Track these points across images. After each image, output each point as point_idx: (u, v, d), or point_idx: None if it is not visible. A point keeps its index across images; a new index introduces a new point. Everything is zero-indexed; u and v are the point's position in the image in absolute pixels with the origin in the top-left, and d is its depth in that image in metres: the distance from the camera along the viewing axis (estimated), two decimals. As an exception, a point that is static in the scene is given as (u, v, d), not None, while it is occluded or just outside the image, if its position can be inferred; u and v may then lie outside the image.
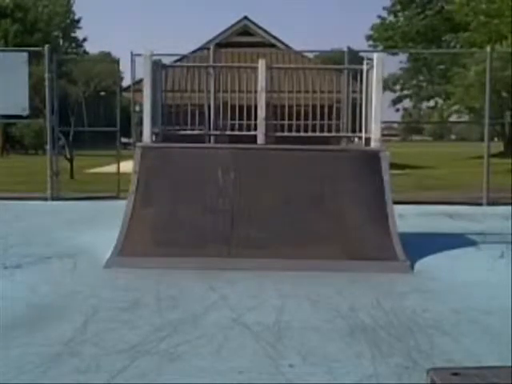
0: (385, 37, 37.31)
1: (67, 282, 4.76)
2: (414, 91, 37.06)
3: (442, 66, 30.36)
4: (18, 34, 39.75)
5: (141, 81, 7.67)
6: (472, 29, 23.37)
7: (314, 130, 7.57)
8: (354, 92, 7.81)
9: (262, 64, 6.96)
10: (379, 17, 38.81)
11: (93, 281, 4.82)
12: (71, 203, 9.61)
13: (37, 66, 11.90)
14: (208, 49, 11.55)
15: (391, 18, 38.67)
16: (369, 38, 39.50)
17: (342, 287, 4.63)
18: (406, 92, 38.25)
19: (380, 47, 37.30)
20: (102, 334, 3.53)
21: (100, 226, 6.86)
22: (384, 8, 38.24)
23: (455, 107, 27.55)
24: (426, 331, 3.61)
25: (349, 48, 10.18)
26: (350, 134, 7.85)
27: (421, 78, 35.90)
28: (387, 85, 34.75)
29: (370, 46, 38.45)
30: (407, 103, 38.06)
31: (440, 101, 30.41)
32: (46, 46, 10.06)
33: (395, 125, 37.97)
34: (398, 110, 37.73)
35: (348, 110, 7.89)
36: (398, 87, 38.33)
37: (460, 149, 38.50)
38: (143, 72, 6.85)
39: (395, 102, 38.42)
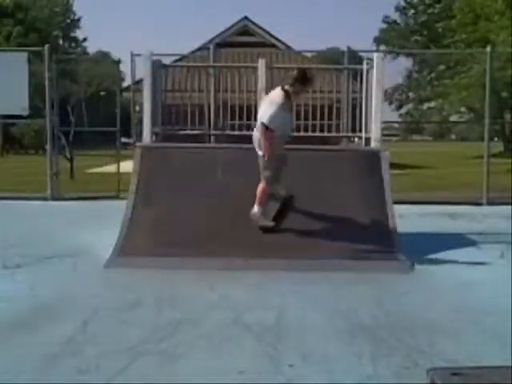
0: (390, 36, 37.61)
1: (67, 282, 4.76)
2: (415, 94, 37.24)
3: (442, 67, 30.39)
4: (20, 34, 39.75)
5: (141, 81, 7.67)
6: (468, 30, 23.45)
7: (314, 130, 7.58)
8: (354, 92, 7.81)
9: (261, 64, 6.97)
10: (386, 17, 39.25)
11: (93, 281, 4.82)
12: (71, 203, 9.61)
13: (38, 66, 11.89)
14: (208, 49, 11.54)
15: (397, 16, 39.16)
16: (376, 39, 39.78)
17: (341, 287, 4.63)
18: (409, 95, 38.47)
19: (384, 48, 37.60)
20: (102, 334, 3.53)
21: (100, 226, 6.86)
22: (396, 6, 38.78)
23: (455, 106, 27.59)
24: (426, 331, 3.61)
25: (348, 48, 10.17)
26: (350, 134, 7.86)
27: (421, 79, 36.07)
28: (392, 97, 35.04)
29: (375, 45, 38.78)
30: (410, 106, 38.26)
31: (440, 101, 30.45)
32: (46, 46, 10.05)
33: (395, 125, 38.01)
34: (401, 115, 37.99)
35: (348, 110, 7.89)
36: (401, 96, 38.61)
37: (460, 149, 38.49)
38: (143, 72, 6.86)
39: (399, 107, 38.68)
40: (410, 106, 37.87)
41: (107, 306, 4.07)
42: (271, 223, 5.54)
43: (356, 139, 7.72)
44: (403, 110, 38.45)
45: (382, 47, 39.08)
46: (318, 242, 5.43)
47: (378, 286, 4.70)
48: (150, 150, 6.44)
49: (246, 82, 7.58)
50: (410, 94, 38.20)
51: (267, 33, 21.83)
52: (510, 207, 8.41)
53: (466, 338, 3.52)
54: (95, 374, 2.96)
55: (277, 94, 5.30)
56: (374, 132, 6.66)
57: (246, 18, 21.96)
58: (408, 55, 34.94)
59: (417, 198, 9.93)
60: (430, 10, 37.13)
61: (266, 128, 5.20)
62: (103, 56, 41.89)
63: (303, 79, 5.21)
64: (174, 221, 5.63)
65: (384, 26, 40.17)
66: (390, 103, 36.66)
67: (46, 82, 9.93)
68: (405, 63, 37.33)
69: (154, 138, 6.88)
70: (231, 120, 7.82)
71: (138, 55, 8.73)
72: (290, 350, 3.29)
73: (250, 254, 5.25)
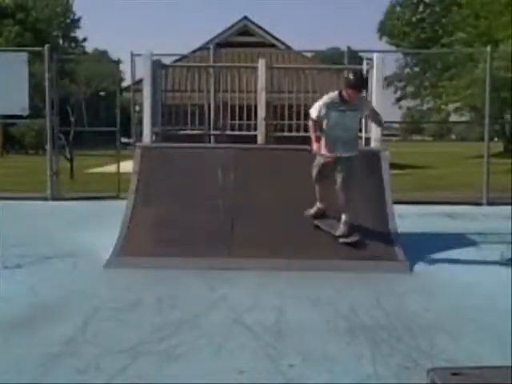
0: (392, 25, 37.70)
1: (67, 282, 4.76)
2: (415, 90, 37.29)
3: (440, 66, 30.42)
4: (19, 33, 39.75)
5: (141, 81, 7.67)
6: (468, 27, 23.47)
7: (314, 130, 7.55)
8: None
9: (261, 64, 6.96)
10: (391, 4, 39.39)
11: (93, 281, 4.83)
12: (71, 203, 9.60)
13: (38, 66, 11.91)
14: (208, 49, 11.54)
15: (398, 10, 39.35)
16: (379, 28, 39.83)
17: (341, 287, 4.63)
18: (409, 89, 38.50)
19: (386, 40, 37.63)
20: (102, 334, 3.53)
21: (100, 226, 6.86)
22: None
23: (456, 104, 27.59)
24: (425, 331, 3.61)
25: (348, 48, 10.17)
26: (350, 134, 7.84)
27: (421, 73, 36.14)
28: (392, 82, 34.98)
29: (379, 35, 38.85)
30: (410, 102, 38.32)
31: (438, 102, 30.49)
32: (46, 46, 10.05)
33: (395, 125, 38.05)
34: (400, 108, 37.96)
35: (348, 109, 7.87)
36: (401, 84, 38.61)
37: (460, 149, 38.50)
38: (143, 72, 6.86)
39: (399, 99, 38.70)
40: (411, 103, 37.96)
41: (107, 306, 4.07)
42: (309, 212, 5.64)
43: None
44: (403, 104, 38.52)
45: (385, 39, 39.21)
46: (318, 242, 5.43)
47: (377, 286, 4.70)
48: (150, 149, 6.44)
49: (245, 82, 7.58)
50: (409, 88, 38.27)
51: (267, 33, 21.82)
52: (509, 207, 8.41)
53: (465, 338, 3.52)
54: (95, 374, 2.96)
55: (329, 93, 5.41)
56: (374, 132, 6.65)
57: (245, 17, 21.95)
58: (407, 54, 35.01)
59: (417, 197, 9.92)
60: (429, 10, 37.18)
61: (311, 119, 5.39)
62: (100, 55, 41.92)
63: (354, 84, 5.18)
64: (174, 221, 5.63)
65: (388, 14, 40.17)
66: (388, 85, 36.58)
67: (46, 82, 9.93)
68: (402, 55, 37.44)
69: (154, 137, 6.88)
70: (231, 120, 7.82)
71: (138, 55, 8.73)
72: (289, 350, 3.29)
73: (249, 254, 5.25)
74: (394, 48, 37.04)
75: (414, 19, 37.98)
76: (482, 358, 3.18)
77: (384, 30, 39.99)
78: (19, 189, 11.15)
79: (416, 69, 37.76)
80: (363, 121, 7.25)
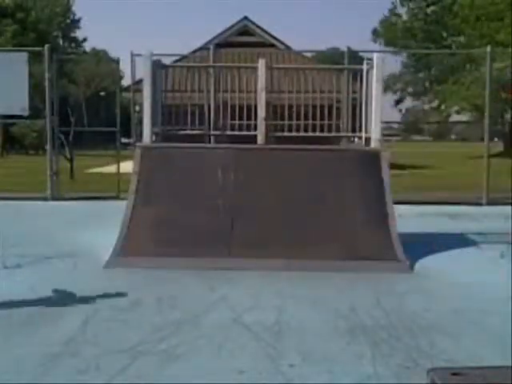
0: (389, 31, 37.65)
1: (67, 282, 4.76)
2: (415, 90, 37.32)
3: (440, 66, 30.43)
4: (17, 33, 39.69)
5: (141, 81, 7.66)
6: (468, 31, 23.48)
7: (314, 130, 7.56)
8: (354, 92, 7.81)
9: (261, 64, 6.95)
10: (385, 15, 39.32)
11: (93, 281, 4.82)
12: (71, 203, 9.61)
13: (38, 66, 11.89)
14: (208, 49, 11.54)
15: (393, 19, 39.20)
16: (373, 32, 39.85)
17: (342, 287, 4.63)
18: (408, 90, 38.51)
19: (382, 42, 37.60)
20: (102, 334, 3.53)
21: (100, 226, 6.86)
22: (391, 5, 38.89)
23: (455, 108, 27.60)
24: (426, 331, 3.61)
25: (348, 48, 10.17)
26: (350, 134, 7.85)
27: (420, 75, 36.12)
28: (388, 85, 34.98)
29: (373, 39, 38.83)
30: (409, 102, 38.33)
31: (442, 108, 30.48)
32: (46, 46, 10.05)
33: (395, 125, 38.10)
34: (400, 111, 38.00)
35: (348, 110, 7.88)
36: (399, 86, 38.58)
37: (460, 149, 38.49)
38: (143, 72, 6.85)
39: (398, 102, 38.72)
40: (410, 102, 38.02)
41: (107, 306, 4.07)
42: None
43: (356, 139, 7.71)
44: (401, 106, 38.58)
45: (380, 41, 39.20)
46: (318, 242, 5.43)
47: (377, 286, 4.70)
48: (150, 150, 6.44)
49: (245, 82, 7.57)
50: (409, 89, 38.32)
51: (267, 33, 21.82)
52: (510, 207, 8.41)
53: (465, 338, 3.52)
54: (95, 374, 2.96)
55: None
56: (374, 132, 6.65)
57: (245, 18, 21.96)
58: (408, 55, 35.03)
59: (417, 198, 9.92)
60: (430, 9, 37.16)
61: None
62: (100, 54, 41.86)
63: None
64: (173, 221, 5.63)
65: (386, 18, 40.05)
66: (385, 90, 36.60)
67: (46, 82, 9.93)
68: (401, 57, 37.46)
69: (154, 138, 6.88)
70: (231, 120, 7.81)
71: (138, 55, 8.73)
72: (289, 350, 3.29)
73: (250, 254, 5.25)
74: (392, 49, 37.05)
75: (413, 19, 37.96)
76: (481, 359, 3.18)
77: (377, 33, 39.93)
78: (19, 189, 11.15)
79: (412, 69, 37.78)
80: (363, 121, 7.24)
